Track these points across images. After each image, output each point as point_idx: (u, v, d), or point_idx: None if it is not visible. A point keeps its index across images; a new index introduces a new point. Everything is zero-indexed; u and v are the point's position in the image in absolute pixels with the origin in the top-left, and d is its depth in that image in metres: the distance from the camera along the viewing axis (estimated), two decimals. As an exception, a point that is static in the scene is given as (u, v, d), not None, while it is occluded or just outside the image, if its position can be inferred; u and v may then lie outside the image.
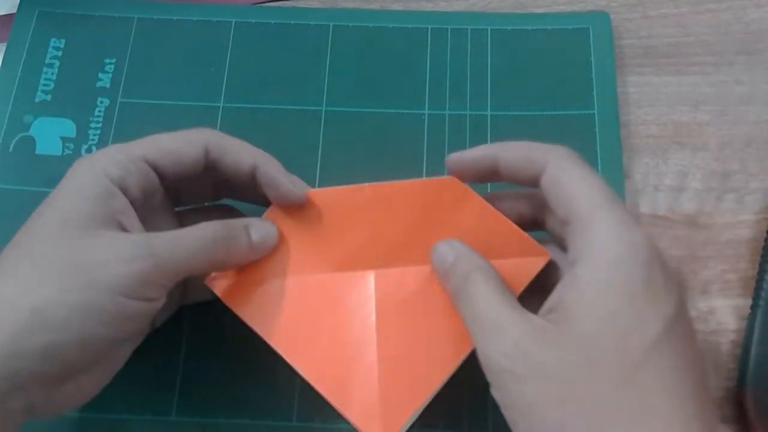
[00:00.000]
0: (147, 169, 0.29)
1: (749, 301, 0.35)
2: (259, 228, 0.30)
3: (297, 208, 0.31)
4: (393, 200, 0.31)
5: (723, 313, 0.35)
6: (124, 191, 0.28)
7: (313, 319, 0.30)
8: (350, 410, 0.29)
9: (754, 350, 0.33)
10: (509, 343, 0.25)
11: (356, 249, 0.31)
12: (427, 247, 0.30)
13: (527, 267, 0.29)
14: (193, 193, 0.33)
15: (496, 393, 0.25)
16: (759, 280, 0.35)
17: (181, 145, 0.30)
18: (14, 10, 0.42)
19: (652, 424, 0.23)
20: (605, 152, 0.38)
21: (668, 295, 0.25)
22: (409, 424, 0.28)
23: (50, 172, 0.38)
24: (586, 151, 0.38)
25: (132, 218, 0.28)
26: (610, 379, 0.24)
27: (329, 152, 0.38)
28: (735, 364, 0.34)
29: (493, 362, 0.25)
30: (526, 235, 0.30)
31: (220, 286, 0.30)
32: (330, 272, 0.31)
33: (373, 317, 0.30)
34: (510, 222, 0.30)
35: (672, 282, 0.25)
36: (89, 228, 0.27)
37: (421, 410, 0.29)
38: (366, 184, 0.32)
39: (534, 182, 0.29)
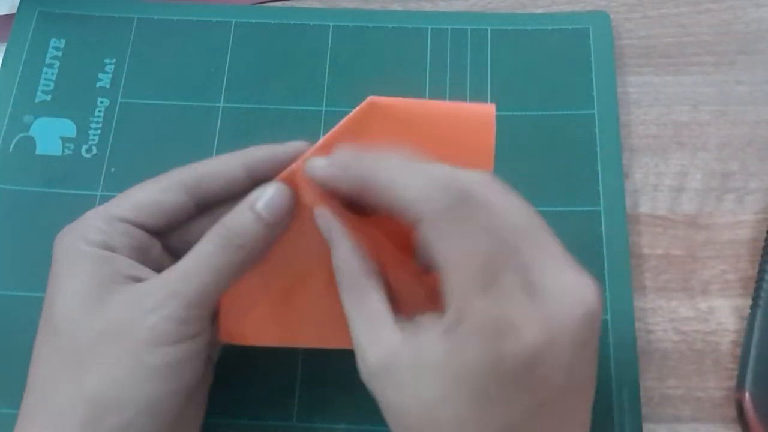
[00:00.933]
0: (130, 228, 0.28)
1: (749, 301, 0.35)
2: (262, 197, 0.27)
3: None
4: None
5: (723, 313, 0.35)
6: (114, 252, 0.27)
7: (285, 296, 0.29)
8: (224, 301, 0.28)
9: (753, 350, 0.33)
10: (372, 363, 0.25)
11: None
12: None
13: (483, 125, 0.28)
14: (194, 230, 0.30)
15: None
16: (759, 280, 0.35)
17: (159, 196, 0.28)
18: (14, 10, 0.42)
19: None
20: (605, 152, 0.38)
21: (504, 408, 0.22)
22: None
23: (50, 172, 0.38)
24: (586, 151, 0.38)
25: (140, 269, 0.27)
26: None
27: (329, 152, 0.38)
28: (735, 364, 0.34)
29: (362, 370, 0.25)
30: (459, 104, 0.28)
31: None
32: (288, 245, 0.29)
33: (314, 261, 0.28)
34: (439, 103, 0.29)
35: (521, 396, 0.22)
36: (101, 296, 0.26)
37: None
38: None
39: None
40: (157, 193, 0.28)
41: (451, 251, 0.23)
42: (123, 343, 0.25)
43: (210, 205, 0.29)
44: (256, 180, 0.29)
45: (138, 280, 0.26)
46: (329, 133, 0.28)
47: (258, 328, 0.29)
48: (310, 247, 0.28)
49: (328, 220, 0.27)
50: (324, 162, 0.27)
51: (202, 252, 0.27)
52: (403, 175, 0.25)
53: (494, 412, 0.22)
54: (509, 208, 0.24)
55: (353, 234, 0.27)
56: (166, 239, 0.29)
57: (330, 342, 0.29)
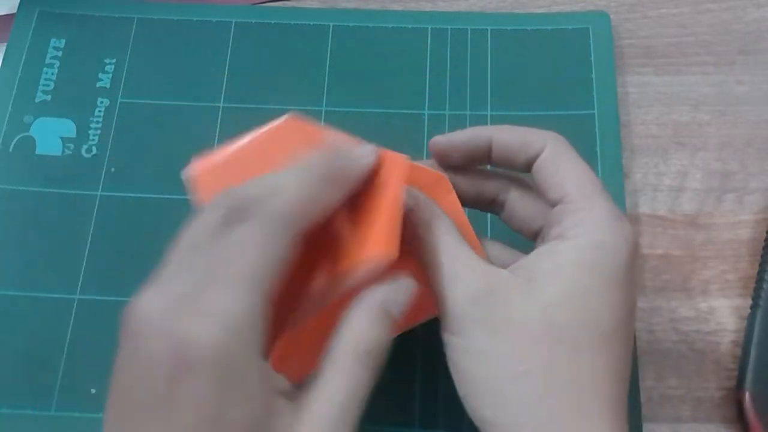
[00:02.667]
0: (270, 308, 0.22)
1: (749, 301, 0.35)
2: (394, 300, 0.25)
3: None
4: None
5: (723, 313, 0.35)
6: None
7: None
8: (360, 258, 0.25)
9: (753, 350, 0.33)
10: (477, 289, 0.25)
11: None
12: None
13: None
14: None
15: (450, 337, 0.25)
16: (759, 280, 0.35)
17: (283, 254, 0.23)
18: (14, 10, 0.42)
19: (587, 408, 0.24)
20: (605, 152, 0.38)
21: (632, 293, 0.26)
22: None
23: (50, 172, 0.38)
24: (586, 151, 0.38)
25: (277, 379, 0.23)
26: (565, 349, 0.24)
27: (329, 152, 0.38)
28: (735, 364, 0.34)
29: (456, 306, 0.25)
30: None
31: None
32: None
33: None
34: (474, 236, 0.29)
35: (636, 284, 0.26)
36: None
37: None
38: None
39: (527, 165, 0.29)
40: (275, 252, 0.22)
41: (579, 166, 0.28)
42: None
43: None
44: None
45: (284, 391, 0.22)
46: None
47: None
48: None
49: (415, 193, 0.27)
50: (445, 136, 0.30)
51: (348, 376, 0.23)
52: (515, 127, 0.30)
53: (628, 299, 0.25)
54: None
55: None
56: None
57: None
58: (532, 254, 0.27)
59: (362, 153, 0.27)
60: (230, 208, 0.23)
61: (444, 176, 0.30)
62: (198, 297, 0.21)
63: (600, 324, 0.25)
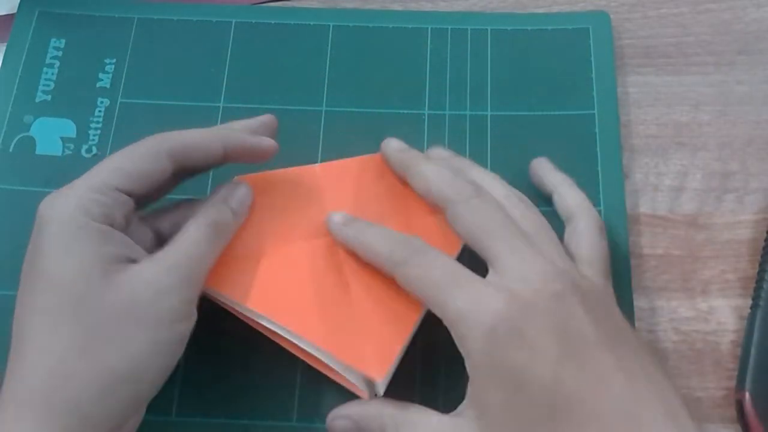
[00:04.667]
0: (123, 198, 0.29)
1: (749, 301, 0.35)
2: (233, 195, 0.31)
3: (260, 187, 0.33)
4: (354, 174, 0.34)
5: (723, 313, 0.35)
6: (112, 225, 0.28)
7: (290, 284, 0.31)
8: (343, 355, 0.30)
9: (753, 350, 0.33)
10: (467, 301, 0.27)
11: (321, 221, 0.33)
12: (384, 217, 0.33)
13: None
14: (157, 196, 0.33)
15: None
16: (759, 280, 0.35)
17: (147, 164, 0.29)
18: (14, 10, 0.42)
19: None
20: (605, 152, 0.38)
21: (540, 355, 0.26)
22: (396, 365, 0.30)
23: (50, 172, 0.38)
24: (586, 151, 0.38)
25: (135, 248, 0.29)
26: None
27: (329, 152, 0.38)
28: (735, 364, 0.34)
29: None
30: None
31: None
32: (297, 241, 0.32)
33: (345, 273, 0.31)
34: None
35: (544, 332, 0.26)
36: (109, 276, 0.27)
37: (404, 351, 0.31)
38: (327, 162, 0.35)
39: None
40: (145, 161, 0.29)
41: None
42: (142, 320, 0.27)
43: (183, 173, 0.31)
44: (227, 158, 0.31)
45: (132, 260, 0.28)
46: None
47: (383, 341, 0.31)
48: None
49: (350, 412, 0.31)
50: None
51: (198, 240, 0.29)
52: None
53: (523, 380, 0.26)
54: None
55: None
56: (141, 206, 0.31)
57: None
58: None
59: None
60: None
61: None
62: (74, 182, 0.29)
63: (532, 405, 0.26)
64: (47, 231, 0.27)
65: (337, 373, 0.31)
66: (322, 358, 0.30)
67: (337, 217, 0.32)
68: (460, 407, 0.28)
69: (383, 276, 0.31)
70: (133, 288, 0.27)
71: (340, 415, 0.30)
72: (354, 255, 0.32)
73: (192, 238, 0.29)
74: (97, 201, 0.28)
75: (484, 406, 0.27)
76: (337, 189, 0.34)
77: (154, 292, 0.27)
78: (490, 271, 0.28)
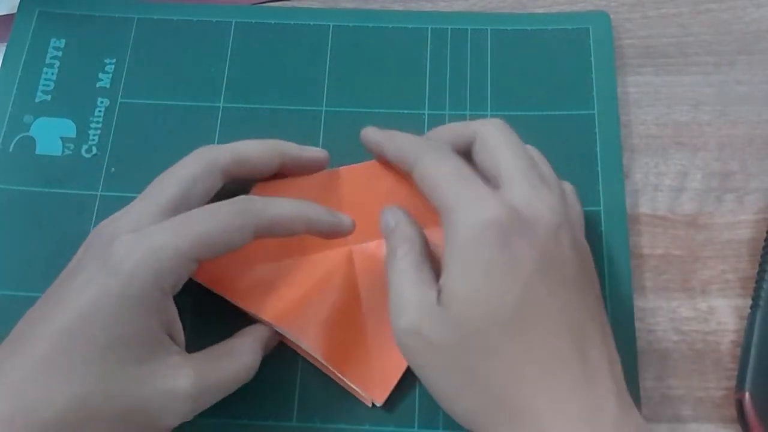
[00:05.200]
0: (195, 264, 0.28)
1: (749, 301, 0.35)
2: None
3: (276, 191, 0.33)
4: (366, 180, 0.34)
5: (723, 313, 0.35)
6: (172, 290, 0.28)
7: (303, 295, 0.32)
8: (350, 375, 0.31)
9: (753, 350, 0.33)
10: (407, 322, 0.28)
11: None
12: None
13: None
14: None
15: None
16: (759, 280, 0.35)
17: (231, 235, 0.28)
18: (14, 10, 0.42)
19: (521, 393, 0.26)
20: (605, 152, 0.38)
21: (521, 263, 0.27)
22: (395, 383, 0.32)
23: (50, 172, 0.38)
24: (586, 151, 0.38)
25: (177, 326, 0.29)
26: (481, 351, 0.26)
27: (329, 152, 0.38)
28: (735, 364, 0.34)
29: (396, 336, 0.28)
30: None
31: (205, 274, 0.31)
32: (312, 253, 0.33)
33: (358, 289, 0.32)
34: None
35: (528, 247, 0.27)
36: (145, 356, 0.26)
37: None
38: (340, 167, 0.35)
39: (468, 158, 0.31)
40: (230, 230, 0.28)
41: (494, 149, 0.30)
42: (148, 423, 0.27)
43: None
44: (282, 169, 0.33)
45: (171, 338, 0.28)
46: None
47: (386, 365, 0.32)
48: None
49: (392, 210, 0.32)
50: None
51: (243, 360, 0.30)
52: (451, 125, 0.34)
53: (504, 276, 0.27)
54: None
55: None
56: None
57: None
58: (444, 234, 0.28)
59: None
60: None
61: None
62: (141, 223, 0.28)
63: (498, 316, 0.26)
64: (112, 282, 0.26)
65: (338, 377, 0.32)
66: (329, 368, 0.31)
67: (370, 129, 0.34)
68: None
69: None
70: (155, 383, 0.27)
71: (391, 212, 0.32)
72: (368, 266, 0.32)
73: (237, 366, 0.29)
74: (174, 273, 0.27)
75: (452, 293, 0.27)
76: (353, 193, 0.34)
77: (163, 405, 0.27)
78: (500, 189, 0.29)
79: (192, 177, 0.29)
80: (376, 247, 0.34)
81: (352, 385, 0.32)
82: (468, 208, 0.27)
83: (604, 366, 0.26)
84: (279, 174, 0.33)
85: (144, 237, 0.27)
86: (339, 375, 0.32)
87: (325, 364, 0.31)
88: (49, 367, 0.25)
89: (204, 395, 0.28)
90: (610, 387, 0.26)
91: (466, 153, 0.31)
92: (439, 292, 0.28)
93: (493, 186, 0.29)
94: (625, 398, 0.27)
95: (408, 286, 0.29)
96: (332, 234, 0.31)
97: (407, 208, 0.32)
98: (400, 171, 0.33)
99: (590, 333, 0.27)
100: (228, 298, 0.32)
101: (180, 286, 0.28)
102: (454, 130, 0.32)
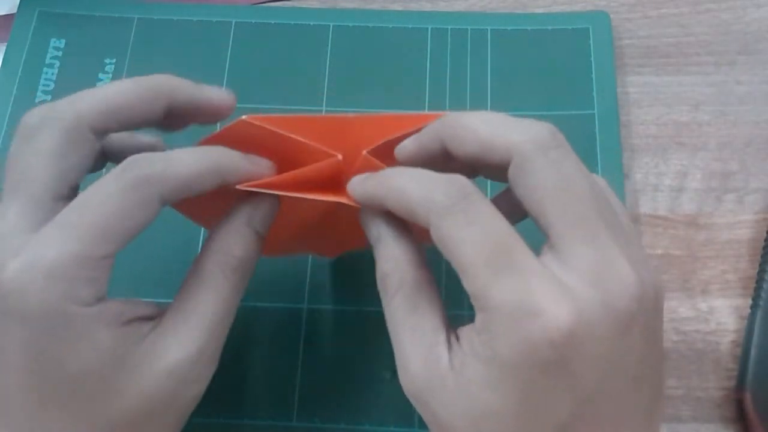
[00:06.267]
0: (110, 261, 0.23)
1: (749, 301, 0.35)
2: (257, 213, 0.25)
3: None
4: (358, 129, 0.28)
5: (723, 313, 0.35)
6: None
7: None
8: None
9: (753, 350, 0.33)
10: (413, 387, 0.23)
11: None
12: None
13: None
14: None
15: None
16: (759, 280, 0.35)
17: (132, 214, 0.22)
18: (14, 10, 0.42)
19: None
20: (605, 152, 0.38)
21: (574, 386, 0.20)
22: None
23: (50, 172, 0.38)
24: (586, 151, 0.38)
25: (140, 305, 0.24)
26: None
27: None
28: (735, 364, 0.34)
29: (405, 389, 0.23)
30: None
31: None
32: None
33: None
34: None
35: (592, 361, 0.20)
36: (127, 362, 0.22)
37: None
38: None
39: (503, 177, 0.23)
40: (126, 208, 0.22)
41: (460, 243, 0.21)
42: (159, 418, 0.23)
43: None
44: (171, 115, 0.26)
45: (142, 317, 0.24)
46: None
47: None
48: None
49: (374, 218, 0.24)
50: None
51: (225, 296, 0.24)
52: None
53: (539, 413, 0.20)
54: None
55: (405, 234, 0.24)
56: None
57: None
58: (476, 325, 0.21)
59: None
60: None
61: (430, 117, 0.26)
62: (21, 241, 0.22)
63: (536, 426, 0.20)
64: (21, 327, 0.21)
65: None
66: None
67: (356, 178, 0.25)
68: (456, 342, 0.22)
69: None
70: (153, 383, 0.23)
71: (374, 221, 0.24)
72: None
73: (218, 294, 0.24)
74: (90, 279, 0.22)
75: (468, 380, 0.21)
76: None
77: (176, 383, 0.23)
78: (549, 252, 0.21)
79: (58, 150, 0.23)
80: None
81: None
82: (517, 312, 0.20)
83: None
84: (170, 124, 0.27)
85: (35, 259, 0.21)
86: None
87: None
88: None
89: (194, 355, 0.23)
90: None
91: (495, 171, 0.23)
92: (451, 344, 0.22)
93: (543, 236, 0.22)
94: None
95: (407, 337, 0.23)
96: (206, 111, 0.27)
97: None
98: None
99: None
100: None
101: (105, 286, 0.23)
102: (480, 140, 0.23)
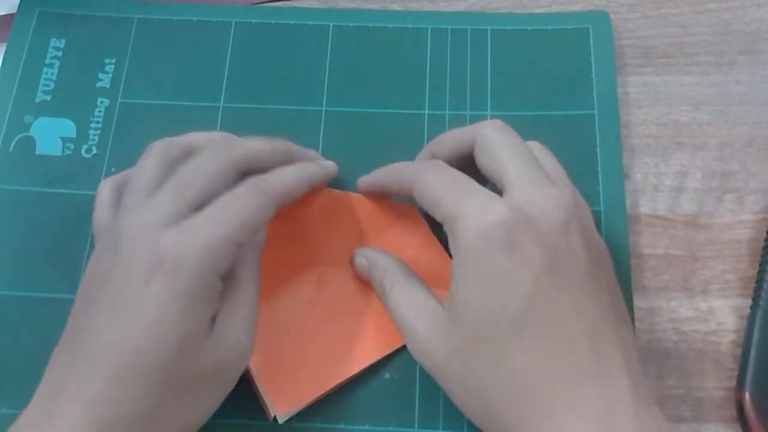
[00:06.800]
0: (239, 248, 0.29)
1: (749, 301, 0.35)
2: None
3: None
4: (354, 209, 0.35)
5: (723, 313, 0.35)
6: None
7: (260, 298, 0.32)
8: (264, 380, 0.32)
9: (753, 350, 0.33)
10: (418, 341, 0.29)
11: (309, 245, 0.35)
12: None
13: None
14: None
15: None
16: (759, 280, 0.35)
17: (261, 215, 0.30)
18: (14, 10, 0.42)
19: (534, 395, 0.26)
20: (605, 152, 0.38)
21: (527, 263, 0.27)
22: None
23: (50, 172, 0.38)
24: (586, 151, 0.38)
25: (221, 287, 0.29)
26: (491, 357, 0.27)
27: (329, 152, 0.38)
28: (735, 364, 0.34)
29: (415, 357, 0.30)
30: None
31: None
32: (283, 269, 0.34)
33: (316, 308, 0.33)
34: (446, 256, 0.33)
35: (533, 246, 0.27)
36: (206, 336, 0.28)
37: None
38: (334, 190, 0.36)
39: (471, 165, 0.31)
40: (261, 213, 0.30)
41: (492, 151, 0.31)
42: (225, 382, 0.29)
43: None
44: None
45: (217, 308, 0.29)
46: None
47: (305, 384, 0.32)
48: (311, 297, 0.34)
49: (364, 252, 0.34)
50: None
51: (254, 290, 0.30)
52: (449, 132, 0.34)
53: (499, 292, 0.27)
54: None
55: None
56: None
57: (372, 355, 0.33)
58: (450, 245, 0.29)
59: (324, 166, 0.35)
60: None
61: (412, 207, 0.35)
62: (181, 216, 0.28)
63: (501, 322, 0.27)
64: (175, 283, 0.27)
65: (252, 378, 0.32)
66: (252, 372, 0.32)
67: (363, 178, 0.35)
68: (443, 300, 0.30)
69: (344, 322, 0.33)
70: (223, 353, 0.28)
71: (361, 252, 0.34)
72: (330, 289, 0.34)
73: (250, 287, 0.30)
74: (227, 259, 0.28)
75: (460, 302, 0.28)
76: (343, 219, 0.35)
77: (237, 356, 0.29)
78: (504, 191, 0.29)
79: (214, 175, 0.30)
80: (343, 273, 0.34)
81: (261, 390, 0.32)
82: (470, 215, 0.27)
83: (618, 361, 0.26)
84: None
85: (193, 232, 0.27)
86: (254, 376, 0.32)
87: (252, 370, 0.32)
88: (127, 376, 0.26)
89: (249, 324, 0.29)
90: (625, 382, 0.26)
91: (469, 158, 0.31)
92: (447, 303, 0.29)
93: (498, 190, 0.29)
94: (642, 393, 0.26)
95: (409, 312, 0.30)
96: (327, 181, 0.35)
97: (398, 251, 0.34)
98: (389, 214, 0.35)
99: (602, 329, 0.27)
100: None
101: (231, 264, 0.29)
102: (455, 136, 0.32)
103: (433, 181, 0.30)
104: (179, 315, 0.26)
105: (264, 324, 0.31)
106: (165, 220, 0.28)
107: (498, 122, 0.31)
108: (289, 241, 0.34)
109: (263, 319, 0.31)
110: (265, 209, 0.30)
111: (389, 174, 0.33)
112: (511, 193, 0.28)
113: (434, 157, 0.33)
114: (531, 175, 0.28)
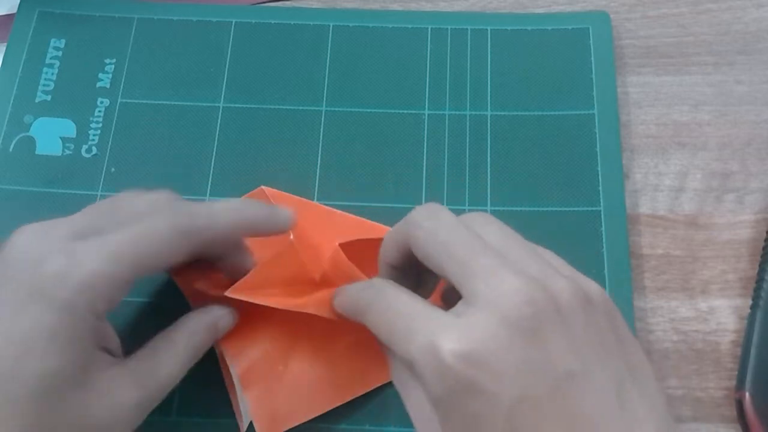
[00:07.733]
0: (130, 286, 0.27)
1: (749, 301, 0.35)
2: (222, 321, 0.31)
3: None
4: (347, 230, 0.34)
5: (723, 313, 0.35)
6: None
7: (251, 322, 0.32)
8: (252, 399, 0.31)
9: (753, 350, 0.33)
10: (424, 340, 0.23)
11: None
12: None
13: None
14: None
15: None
16: (759, 280, 0.35)
17: (161, 251, 0.27)
18: (14, 10, 0.42)
19: None
20: (605, 152, 0.38)
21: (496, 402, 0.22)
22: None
23: (50, 172, 0.38)
24: (586, 151, 0.38)
25: (111, 337, 0.28)
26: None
27: (329, 152, 0.38)
28: (735, 364, 0.34)
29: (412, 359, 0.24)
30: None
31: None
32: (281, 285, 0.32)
33: (313, 334, 0.32)
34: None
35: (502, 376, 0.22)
36: (84, 381, 0.25)
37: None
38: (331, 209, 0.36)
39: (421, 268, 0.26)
40: (162, 249, 0.27)
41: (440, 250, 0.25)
42: None
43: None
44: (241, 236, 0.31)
45: (109, 352, 0.27)
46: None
47: (292, 410, 0.32)
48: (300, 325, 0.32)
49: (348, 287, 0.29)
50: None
51: (179, 370, 0.29)
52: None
53: None
54: None
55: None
56: None
57: (358, 389, 0.33)
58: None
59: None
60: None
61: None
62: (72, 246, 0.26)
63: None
64: (46, 315, 0.25)
65: (235, 397, 0.32)
66: (235, 384, 0.31)
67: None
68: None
69: (336, 351, 0.32)
70: (97, 410, 0.26)
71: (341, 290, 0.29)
72: (331, 323, 0.30)
73: (174, 366, 0.28)
74: (109, 298, 0.26)
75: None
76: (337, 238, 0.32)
77: (115, 419, 0.26)
78: (461, 299, 0.24)
79: (154, 243, 0.27)
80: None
81: (246, 411, 0.31)
82: (424, 355, 0.23)
83: (644, 413, 0.23)
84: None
85: (78, 263, 0.25)
86: (241, 395, 0.31)
87: (236, 381, 0.31)
88: None
89: (146, 401, 0.27)
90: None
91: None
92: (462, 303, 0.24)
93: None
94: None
95: (419, 314, 0.24)
96: (272, 233, 0.30)
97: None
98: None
99: (627, 388, 0.23)
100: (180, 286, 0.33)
101: (115, 305, 0.26)
102: (391, 239, 0.27)
103: (377, 319, 0.25)
104: (43, 351, 0.24)
105: (256, 345, 0.31)
106: (65, 234, 0.26)
107: (428, 209, 0.26)
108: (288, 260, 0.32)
109: (254, 337, 0.31)
110: (176, 253, 0.27)
111: (341, 303, 0.29)
112: (467, 300, 0.23)
113: (386, 264, 0.28)
114: (485, 268, 0.23)
